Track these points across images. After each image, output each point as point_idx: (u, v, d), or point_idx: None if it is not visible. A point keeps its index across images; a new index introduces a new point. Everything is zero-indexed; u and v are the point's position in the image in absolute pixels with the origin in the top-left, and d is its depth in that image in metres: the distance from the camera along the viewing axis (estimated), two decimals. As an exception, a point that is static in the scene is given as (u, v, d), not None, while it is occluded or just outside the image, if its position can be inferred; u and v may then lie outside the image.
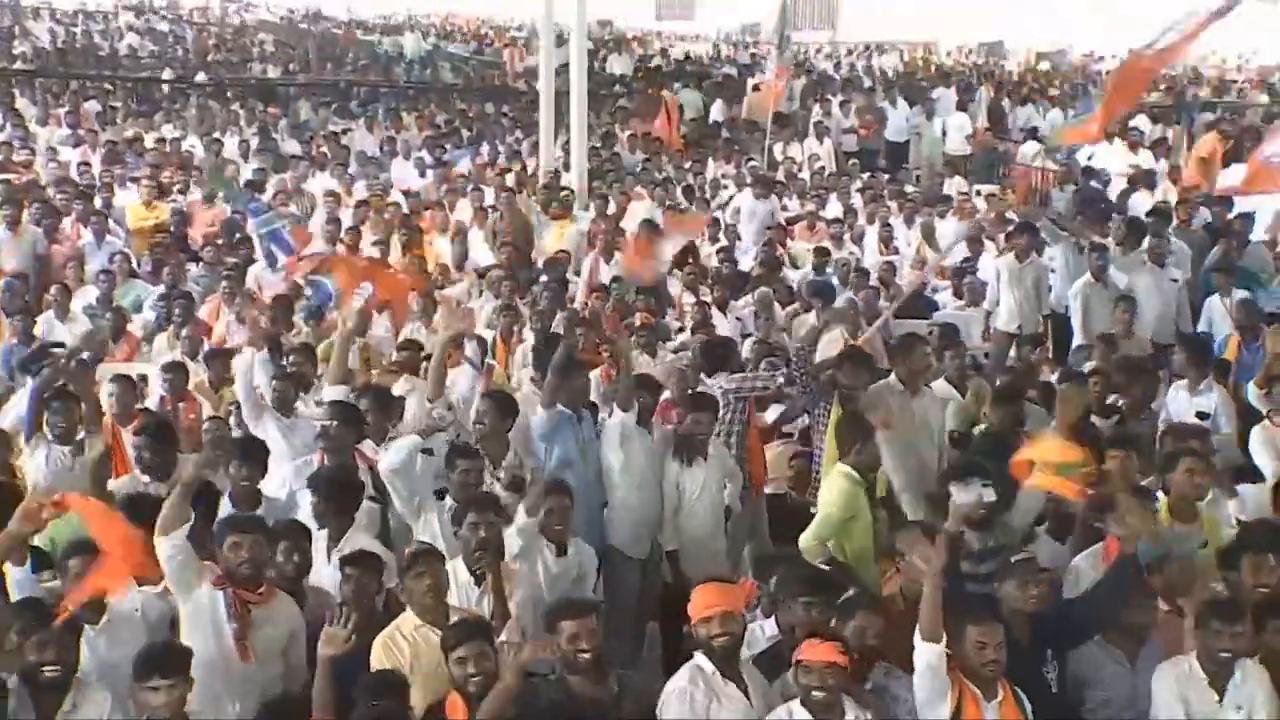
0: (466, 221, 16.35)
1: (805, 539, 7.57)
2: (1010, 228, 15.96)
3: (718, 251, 15.10)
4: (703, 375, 9.49)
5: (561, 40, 19.56)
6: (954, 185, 20.27)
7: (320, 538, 7.09)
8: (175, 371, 10.18)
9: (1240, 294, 12.27)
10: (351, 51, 37.94)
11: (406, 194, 18.35)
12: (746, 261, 15.17)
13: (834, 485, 7.66)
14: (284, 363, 9.79)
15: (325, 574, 6.94)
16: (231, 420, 9.63)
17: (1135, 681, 6.22)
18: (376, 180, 18.76)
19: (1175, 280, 12.59)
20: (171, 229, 15.65)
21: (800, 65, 31.36)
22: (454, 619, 6.12)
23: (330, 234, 15.57)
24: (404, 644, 6.15)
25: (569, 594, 6.90)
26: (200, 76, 29.24)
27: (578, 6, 16.37)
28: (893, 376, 8.88)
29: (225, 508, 7.29)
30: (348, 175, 19.03)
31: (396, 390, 9.52)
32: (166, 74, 29.67)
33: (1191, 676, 5.94)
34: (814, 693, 5.56)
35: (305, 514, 7.37)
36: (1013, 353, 12.33)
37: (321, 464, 7.88)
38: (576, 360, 8.78)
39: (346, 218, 16.11)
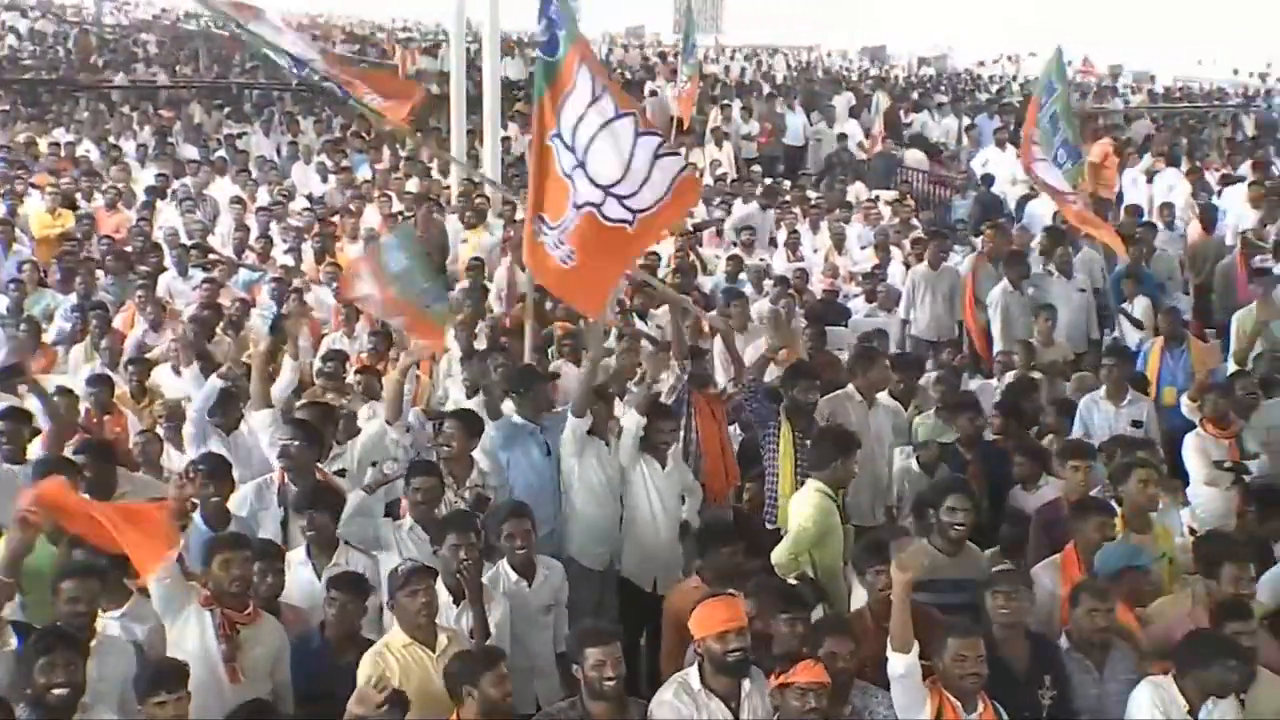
0: (376, 228, 16.23)
1: (779, 554, 7.57)
2: (915, 233, 16.31)
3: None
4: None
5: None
6: (854, 191, 20.48)
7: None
8: (101, 385, 10.00)
9: (1143, 301, 12.55)
10: (238, 53, 37.33)
11: (310, 200, 18.15)
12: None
13: (808, 500, 7.66)
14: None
15: (296, 592, 6.91)
16: (160, 430, 9.53)
17: (1103, 691, 6.31)
18: (280, 186, 18.53)
19: (1083, 290, 12.85)
20: (79, 236, 15.31)
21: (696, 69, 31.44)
22: (468, 647, 6.16)
23: (240, 241, 15.40)
24: (393, 661, 6.15)
25: (539, 618, 7.10)
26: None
27: (490, 9, 16.29)
28: (850, 387, 9.04)
29: (197, 527, 7.19)
30: (251, 181, 18.78)
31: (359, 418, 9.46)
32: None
33: (1172, 697, 5.98)
34: (808, 715, 5.59)
35: (266, 533, 7.35)
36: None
37: (282, 483, 7.81)
38: (536, 372, 8.76)
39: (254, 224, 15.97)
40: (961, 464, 8.80)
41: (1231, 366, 10.19)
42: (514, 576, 7.17)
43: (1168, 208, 16.02)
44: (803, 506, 7.67)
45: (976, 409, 9.28)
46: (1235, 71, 40.41)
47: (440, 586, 6.65)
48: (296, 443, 7.75)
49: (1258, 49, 40.04)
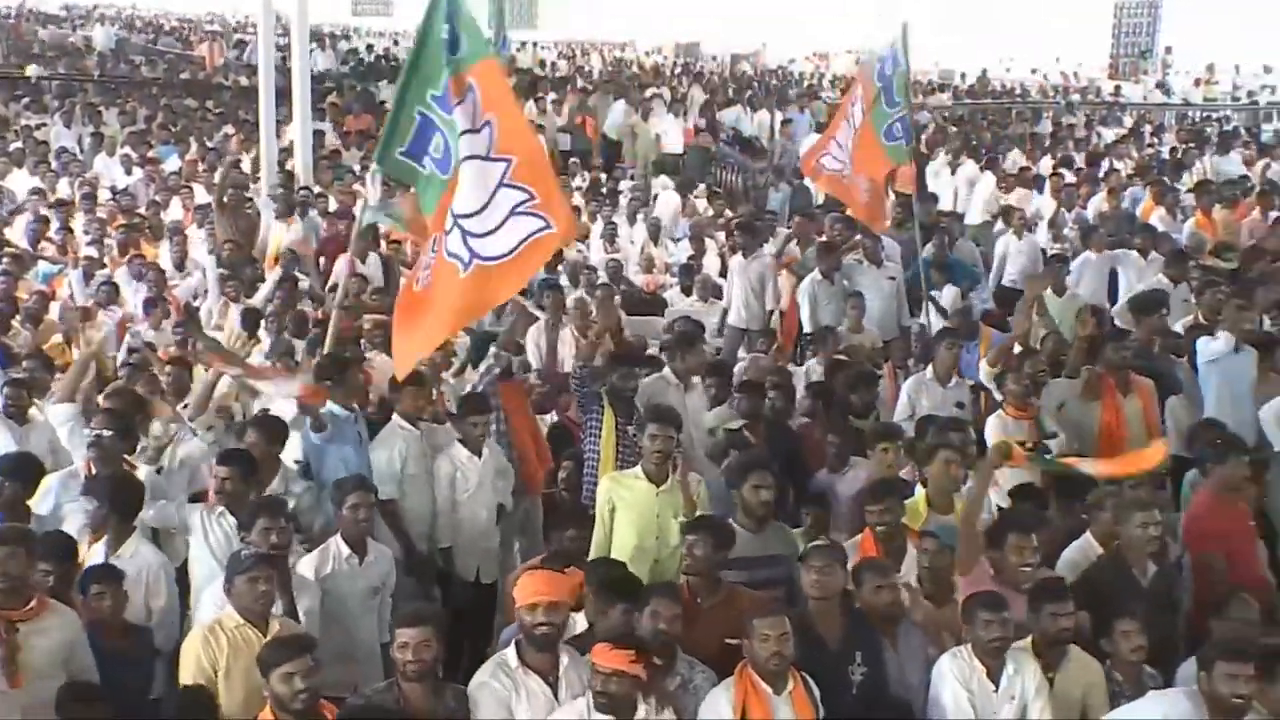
0: (181, 220, 15.88)
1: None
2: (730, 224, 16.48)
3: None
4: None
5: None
6: (658, 184, 20.59)
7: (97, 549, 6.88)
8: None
9: (950, 290, 12.82)
10: (36, 44, 36.21)
11: (114, 192, 17.66)
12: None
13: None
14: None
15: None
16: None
17: (899, 663, 6.39)
18: (82, 178, 17.99)
19: (893, 278, 13.09)
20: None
21: (509, 63, 31.38)
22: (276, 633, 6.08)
23: (38, 234, 14.90)
24: (223, 640, 6.12)
25: (365, 600, 7.11)
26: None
27: (299, 1, 16.01)
28: (667, 370, 9.11)
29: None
30: (51, 173, 18.19)
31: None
32: None
33: (972, 668, 6.15)
34: (598, 698, 5.60)
35: (73, 525, 7.14)
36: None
37: (89, 473, 7.53)
38: (347, 358, 8.61)
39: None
40: (749, 447, 8.81)
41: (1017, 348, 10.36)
42: (346, 551, 7.13)
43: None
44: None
45: (760, 391, 9.37)
46: (1048, 75, 41.61)
47: None
48: (109, 433, 7.51)
49: (1051, 49, 41.33)
